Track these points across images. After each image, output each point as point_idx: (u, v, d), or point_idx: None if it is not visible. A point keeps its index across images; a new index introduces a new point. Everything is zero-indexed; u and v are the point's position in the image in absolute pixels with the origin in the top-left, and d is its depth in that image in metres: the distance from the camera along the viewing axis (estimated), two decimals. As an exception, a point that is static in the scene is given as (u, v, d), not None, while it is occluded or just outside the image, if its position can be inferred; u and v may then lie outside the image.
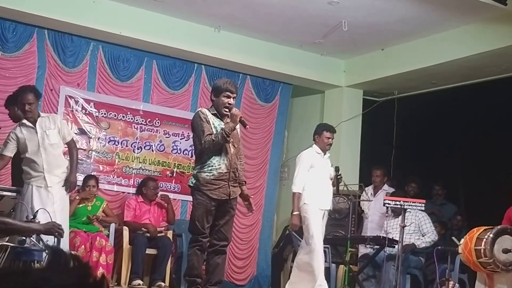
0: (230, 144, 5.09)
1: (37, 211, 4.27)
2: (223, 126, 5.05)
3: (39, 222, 4.05)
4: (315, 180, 6.44)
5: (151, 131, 8.06)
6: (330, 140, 6.55)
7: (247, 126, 5.36)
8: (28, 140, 5.80)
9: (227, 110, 5.12)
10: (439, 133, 8.89)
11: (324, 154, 6.56)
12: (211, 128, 5.06)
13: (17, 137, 5.83)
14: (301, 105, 9.42)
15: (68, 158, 6.08)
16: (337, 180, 6.61)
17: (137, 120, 7.97)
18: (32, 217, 4.01)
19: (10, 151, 5.86)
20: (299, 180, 6.44)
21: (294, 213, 6.41)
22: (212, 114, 5.15)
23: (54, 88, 7.48)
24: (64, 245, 5.58)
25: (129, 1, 7.28)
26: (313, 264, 6.27)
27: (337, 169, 6.61)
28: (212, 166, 5.04)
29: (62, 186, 5.87)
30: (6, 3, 6.76)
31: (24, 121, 5.89)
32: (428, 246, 7.11)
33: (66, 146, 6.03)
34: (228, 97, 5.13)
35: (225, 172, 5.05)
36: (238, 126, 5.18)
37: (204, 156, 5.07)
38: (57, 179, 5.83)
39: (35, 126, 5.84)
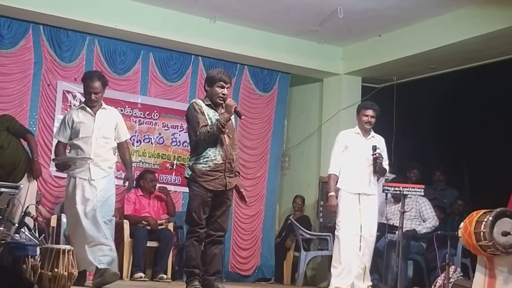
0: (225, 135, 5.06)
1: (27, 207, 4.27)
2: (218, 117, 5.02)
3: (33, 216, 4.07)
4: (348, 163, 6.33)
5: (150, 124, 8.06)
6: (369, 118, 6.30)
7: (242, 117, 5.33)
8: (82, 126, 5.60)
9: (221, 100, 5.09)
10: (440, 118, 8.85)
11: (368, 135, 6.39)
12: (206, 119, 5.03)
13: (73, 121, 5.63)
14: (300, 94, 9.39)
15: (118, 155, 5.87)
16: (374, 160, 6.26)
17: (135, 113, 7.97)
18: (23, 213, 4.03)
19: (65, 137, 5.67)
20: (333, 161, 6.40)
21: (329, 194, 6.35)
22: (207, 105, 5.11)
23: (51, 83, 7.49)
24: (110, 236, 5.67)
25: (123, -6, 7.28)
26: (334, 249, 6.32)
27: (374, 148, 6.25)
28: (207, 157, 5.01)
29: (123, 185, 5.86)
30: (0, -1, 6.77)
31: (84, 105, 5.71)
32: (429, 232, 7.10)
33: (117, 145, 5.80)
34: (222, 87, 5.09)
35: (221, 163, 5.03)
36: (233, 117, 5.16)
37: (199, 148, 5.04)
38: (103, 173, 5.60)
39: (95, 114, 5.65)
